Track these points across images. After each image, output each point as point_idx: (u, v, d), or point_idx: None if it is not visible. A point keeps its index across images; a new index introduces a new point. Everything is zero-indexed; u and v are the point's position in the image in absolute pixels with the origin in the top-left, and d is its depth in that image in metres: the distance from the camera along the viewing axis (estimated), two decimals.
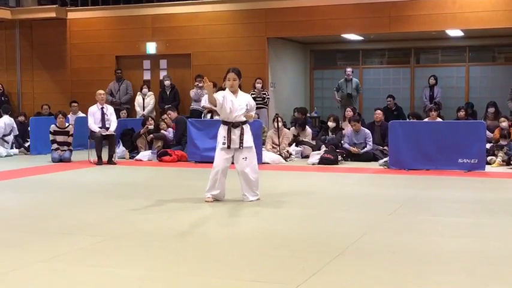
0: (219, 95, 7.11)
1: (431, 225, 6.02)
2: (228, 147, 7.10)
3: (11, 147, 13.37)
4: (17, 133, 13.61)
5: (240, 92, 7.25)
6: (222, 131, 7.16)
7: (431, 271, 4.39)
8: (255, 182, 7.21)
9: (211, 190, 7.18)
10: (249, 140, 7.18)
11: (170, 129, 12.74)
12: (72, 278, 4.31)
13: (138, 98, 15.25)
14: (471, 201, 7.33)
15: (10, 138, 13.41)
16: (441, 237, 5.54)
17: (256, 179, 7.23)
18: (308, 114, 15.99)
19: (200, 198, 7.27)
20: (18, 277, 4.36)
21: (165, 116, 13.24)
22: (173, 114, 13.12)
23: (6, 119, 13.48)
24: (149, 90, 15.31)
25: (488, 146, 10.97)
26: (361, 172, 10.17)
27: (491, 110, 13.12)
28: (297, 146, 12.42)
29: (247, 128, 7.21)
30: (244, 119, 7.17)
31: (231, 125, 7.11)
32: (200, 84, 14.46)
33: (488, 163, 10.50)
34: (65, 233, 5.73)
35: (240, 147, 7.11)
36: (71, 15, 16.73)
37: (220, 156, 7.14)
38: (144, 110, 15.02)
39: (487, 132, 11.14)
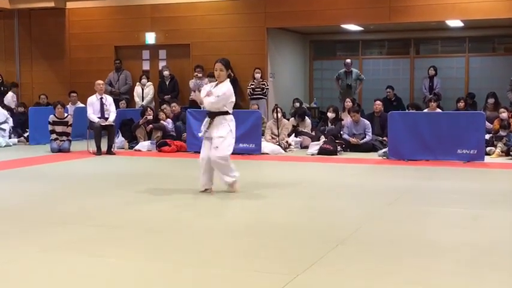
0: (203, 90, 7.23)
1: (431, 216, 6.02)
2: (203, 135, 7.16)
3: (9, 137, 13.34)
4: (12, 124, 13.59)
5: (223, 83, 7.12)
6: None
7: (431, 261, 4.40)
8: (225, 165, 7.04)
9: (202, 179, 7.20)
10: (222, 130, 7.03)
11: (169, 120, 12.72)
12: (71, 268, 4.31)
13: (137, 89, 15.23)
14: (470, 192, 7.33)
15: (7, 126, 13.38)
16: (440, 227, 5.55)
17: (226, 164, 7.03)
18: (307, 105, 16.01)
19: (198, 189, 7.25)
20: (16, 267, 4.36)
21: (165, 106, 13.23)
22: (177, 108, 13.09)
23: (0, 108, 13.50)
24: (148, 81, 15.28)
25: (487, 136, 10.97)
26: (361, 163, 10.17)
27: (491, 100, 13.10)
28: (296, 136, 12.41)
29: (222, 120, 7.06)
30: (220, 109, 7.05)
31: (208, 115, 7.16)
32: (199, 75, 14.44)
33: (488, 154, 10.50)
34: (64, 222, 5.73)
35: (207, 135, 7.08)
36: (69, 5, 16.67)
37: (202, 146, 7.23)
38: (143, 100, 15.01)
39: (487, 123, 11.13)
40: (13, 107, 14.95)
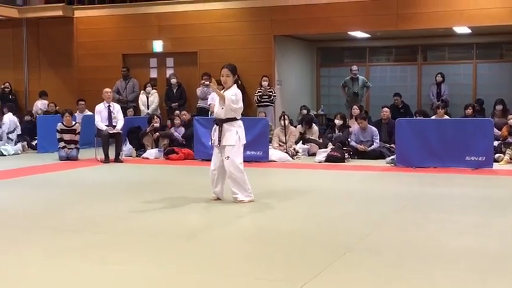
0: (214, 96, 7.17)
1: (438, 223, 6.00)
2: (213, 144, 7.12)
3: (15, 145, 13.38)
4: (20, 132, 13.65)
5: (230, 89, 7.05)
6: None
7: (438, 268, 4.38)
8: (240, 180, 6.97)
9: (211, 188, 7.19)
10: (230, 138, 6.96)
11: (182, 128, 12.65)
12: (78, 275, 4.32)
13: (142, 97, 15.21)
14: (478, 199, 7.30)
15: (14, 136, 13.45)
16: (448, 234, 5.52)
17: (241, 178, 6.97)
18: (315, 112, 16.00)
19: (206, 196, 7.27)
20: (24, 273, 4.37)
21: (184, 112, 13.18)
22: (187, 116, 13.08)
23: (10, 116, 13.57)
24: (153, 88, 15.27)
25: (496, 143, 10.92)
26: (368, 170, 10.14)
27: (499, 107, 13.05)
28: (303, 143, 12.40)
29: (230, 127, 7.00)
30: (227, 116, 6.98)
31: (215, 122, 7.11)
32: (206, 83, 14.46)
33: (496, 161, 10.45)
34: (71, 230, 5.74)
35: (218, 145, 7.02)
36: (77, 13, 16.76)
37: (213, 154, 7.18)
38: (148, 108, 14.99)
39: (495, 129, 11.08)
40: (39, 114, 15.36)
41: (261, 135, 11.15)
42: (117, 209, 6.78)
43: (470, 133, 10.01)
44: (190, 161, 11.45)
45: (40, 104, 16.13)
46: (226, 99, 6.89)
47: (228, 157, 6.95)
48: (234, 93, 6.99)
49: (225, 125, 7.00)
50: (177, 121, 12.67)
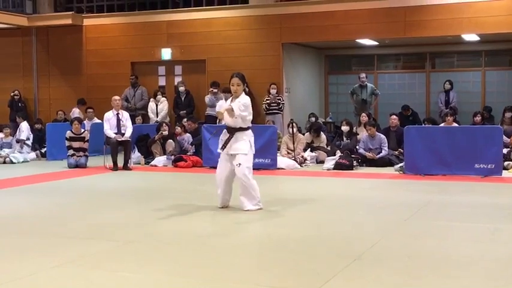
0: (222, 104, 7.18)
1: (448, 230, 5.98)
2: (222, 150, 7.09)
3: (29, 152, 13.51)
4: (31, 141, 13.77)
5: (240, 97, 7.07)
6: (222, 135, 7.19)
7: (448, 276, 4.36)
8: (251, 188, 6.95)
9: (219, 196, 7.18)
10: (243, 146, 6.96)
11: (189, 135, 12.64)
12: (88, 283, 4.33)
13: (151, 105, 15.22)
14: (488, 207, 7.26)
15: (30, 142, 13.59)
16: (458, 242, 5.50)
17: (252, 186, 6.96)
18: (323, 120, 16.00)
19: (213, 204, 7.26)
20: (34, 282, 4.38)
21: (189, 122, 13.16)
22: (193, 125, 13.09)
23: (26, 124, 13.71)
24: (162, 96, 15.28)
25: (505, 151, 10.88)
26: (377, 177, 10.12)
27: (508, 114, 13.00)
28: (311, 151, 12.39)
29: (241, 135, 7.01)
30: (238, 125, 7.00)
31: (226, 130, 7.12)
32: (215, 91, 14.49)
33: (505, 168, 10.40)
34: (81, 237, 5.76)
35: (227, 153, 7.01)
36: (86, 21, 16.86)
37: (219, 162, 7.17)
38: (157, 116, 15.01)
39: (504, 137, 11.04)
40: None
41: (269, 142, 11.17)
42: (125, 217, 6.79)
43: (479, 141, 9.98)
44: (199, 169, 11.46)
45: (77, 112, 15.94)
46: (235, 110, 6.89)
47: (239, 164, 6.95)
48: (243, 103, 6.99)
49: (237, 133, 7.01)
50: (178, 130, 12.64)
